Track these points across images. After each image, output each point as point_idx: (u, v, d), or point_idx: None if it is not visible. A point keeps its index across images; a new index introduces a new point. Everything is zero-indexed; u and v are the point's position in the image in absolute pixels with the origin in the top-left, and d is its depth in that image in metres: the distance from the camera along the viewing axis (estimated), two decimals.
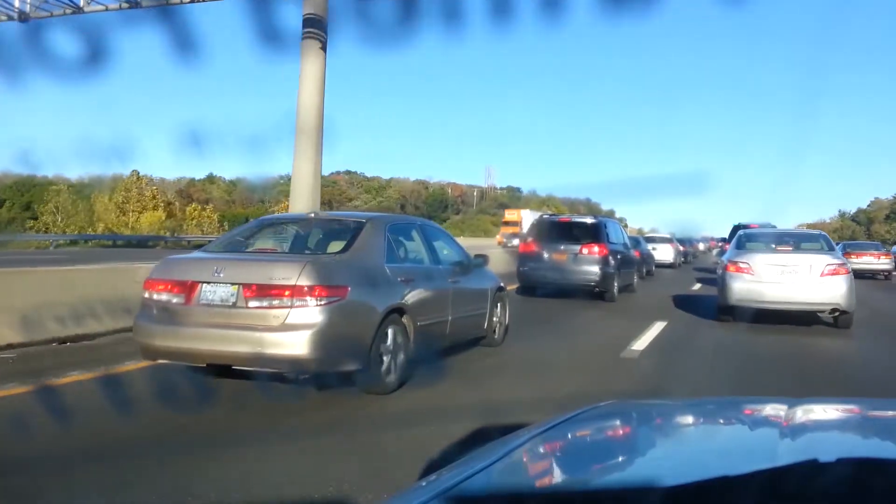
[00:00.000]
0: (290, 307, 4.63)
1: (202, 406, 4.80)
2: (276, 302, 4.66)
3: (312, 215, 6.36)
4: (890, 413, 1.65)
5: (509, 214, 56.89)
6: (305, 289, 4.64)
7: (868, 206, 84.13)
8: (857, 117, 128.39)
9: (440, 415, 4.82)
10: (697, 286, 16.61)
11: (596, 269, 12.40)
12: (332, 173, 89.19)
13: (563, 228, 13.26)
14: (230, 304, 4.74)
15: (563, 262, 12.61)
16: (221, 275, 4.82)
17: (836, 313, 9.32)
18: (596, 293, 12.61)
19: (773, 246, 10.38)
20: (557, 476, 1.30)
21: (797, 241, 10.79)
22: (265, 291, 4.69)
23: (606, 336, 8.50)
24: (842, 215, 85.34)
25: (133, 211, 52.09)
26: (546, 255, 12.74)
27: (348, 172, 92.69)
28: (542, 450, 1.40)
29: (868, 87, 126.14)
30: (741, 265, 9.46)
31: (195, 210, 56.39)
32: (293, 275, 4.67)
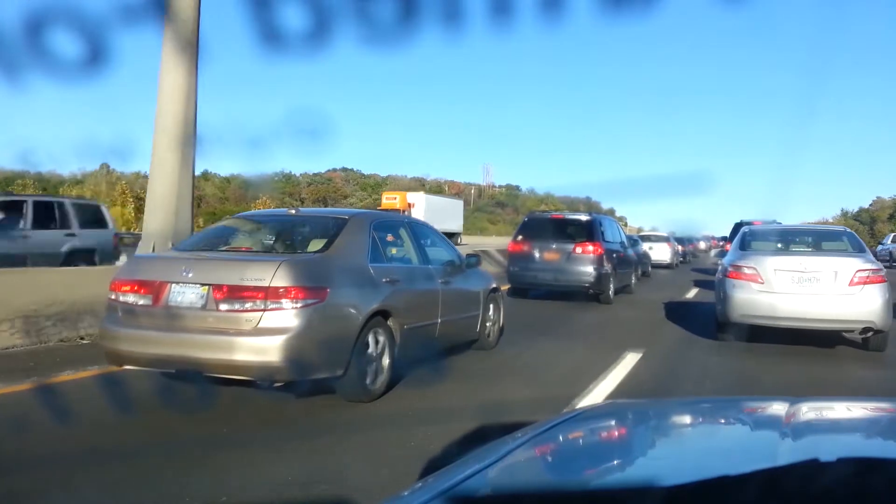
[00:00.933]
0: (264, 310, 4.31)
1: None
2: (248, 304, 4.34)
3: (293, 212, 6.02)
4: (890, 412, 1.65)
5: (388, 199, 42.35)
6: (280, 290, 4.32)
7: (870, 205, 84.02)
8: (858, 117, 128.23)
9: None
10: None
11: (590, 269, 11.68)
12: (329, 170, 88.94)
13: (556, 226, 12.48)
14: (199, 306, 4.42)
15: (556, 261, 11.86)
16: (190, 275, 4.50)
17: (869, 333, 7.31)
18: (591, 295, 11.94)
19: (786, 246, 8.40)
20: (557, 476, 1.29)
21: (815, 239, 8.83)
22: (237, 293, 4.37)
23: (546, 381, 5.96)
24: (844, 214, 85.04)
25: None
26: (538, 255, 11.97)
27: (345, 169, 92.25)
28: (541, 450, 1.39)
29: (868, 87, 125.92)
30: (746, 271, 7.45)
31: None
32: (267, 275, 4.35)
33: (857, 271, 7.22)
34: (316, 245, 5.07)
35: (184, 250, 5.17)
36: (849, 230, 9.14)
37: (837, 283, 7.19)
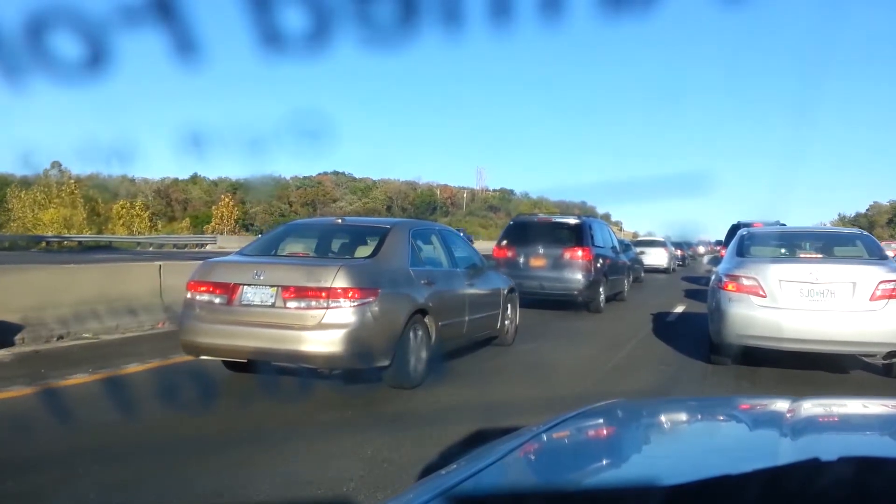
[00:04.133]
0: (326, 308, 4.97)
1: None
2: (313, 303, 5.00)
3: (339, 221, 6.72)
4: (892, 411, 1.65)
5: None
6: (340, 290, 4.99)
7: (867, 210, 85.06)
8: (855, 122, 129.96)
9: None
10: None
11: (579, 276, 11.00)
12: (319, 174, 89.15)
13: (543, 230, 11.70)
14: (269, 304, 5.08)
15: (543, 268, 11.15)
16: (261, 277, 5.15)
17: (895, 358, 6.19)
18: (580, 303, 11.20)
19: (792, 252, 7.21)
20: (558, 475, 1.29)
21: (826, 244, 7.44)
22: (303, 293, 5.03)
23: None
24: (842, 219, 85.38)
25: (54, 207, 46.60)
26: (522, 261, 11.24)
27: (336, 173, 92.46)
28: (542, 449, 1.41)
29: (866, 92, 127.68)
30: (745, 282, 6.30)
31: (122, 208, 50.77)
32: (329, 277, 5.01)
33: (881, 283, 6.05)
34: (364, 251, 5.76)
35: (248, 255, 5.83)
36: (865, 233, 7.75)
37: (856, 297, 6.03)
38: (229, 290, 5.21)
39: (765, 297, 6.22)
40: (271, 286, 5.11)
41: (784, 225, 11.03)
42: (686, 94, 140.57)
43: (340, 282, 5.01)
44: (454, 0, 1.16)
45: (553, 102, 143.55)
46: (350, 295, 5.01)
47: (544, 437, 1.42)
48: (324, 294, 4.99)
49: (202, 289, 5.31)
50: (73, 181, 48.46)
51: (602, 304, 11.55)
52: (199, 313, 5.27)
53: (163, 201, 75.35)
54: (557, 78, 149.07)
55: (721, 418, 1.73)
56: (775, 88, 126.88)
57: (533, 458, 1.37)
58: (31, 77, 1.14)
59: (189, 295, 5.36)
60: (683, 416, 1.74)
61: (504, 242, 11.77)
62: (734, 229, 13.73)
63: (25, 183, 47.66)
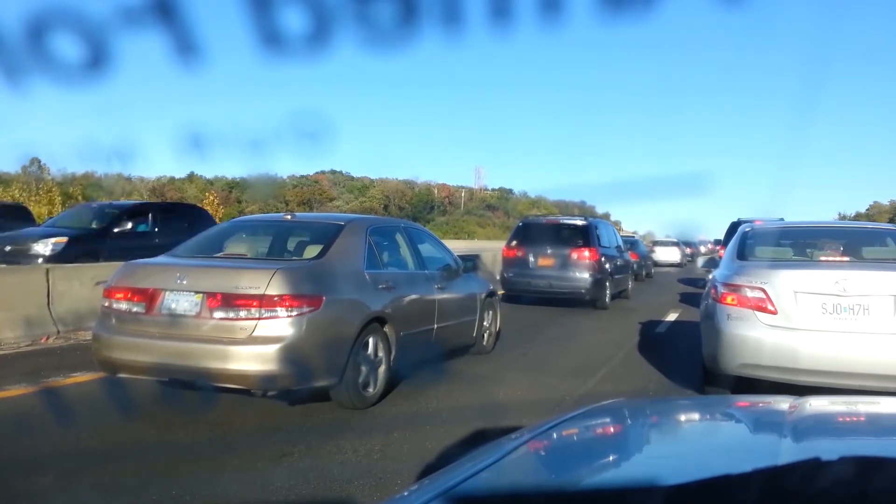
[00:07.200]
0: (258, 318, 4.25)
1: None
2: (242, 313, 4.28)
3: (289, 217, 5.93)
4: (892, 411, 1.63)
5: None
6: (275, 298, 4.27)
7: (867, 209, 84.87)
8: (855, 122, 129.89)
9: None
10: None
11: (586, 275, 11.53)
12: (316, 172, 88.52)
13: (551, 231, 12.31)
14: (193, 314, 4.35)
15: (551, 267, 11.70)
16: (184, 282, 4.43)
17: None
18: (587, 301, 11.74)
19: (809, 254, 5.62)
20: (558, 475, 1.27)
21: (851, 243, 5.63)
22: (231, 301, 4.30)
23: None
24: (842, 218, 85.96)
25: (32, 204, 44.81)
26: (532, 260, 11.84)
27: (333, 172, 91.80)
28: (542, 449, 1.38)
29: (866, 92, 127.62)
30: (749, 293, 4.81)
31: None
32: (262, 283, 4.29)
33: None
34: (311, 251, 5.01)
35: (179, 256, 5.09)
36: None
37: None
38: (148, 296, 4.49)
39: (775, 313, 4.71)
40: (196, 292, 4.38)
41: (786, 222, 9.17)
42: (685, 93, 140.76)
43: (275, 288, 4.28)
44: (454, 0, 1.17)
45: (552, 102, 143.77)
46: (287, 303, 4.28)
47: (544, 436, 1.40)
48: (255, 302, 4.26)
49: (119, 295, 4.58)
50: (51, 179, 48.37)
51: (608, 302, 12.00)
52: (115, 324, 4.55)
53: (158, 200, 74.74)
54: (557, 78, 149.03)
55: (721, 418, 1.70)
56: (775, 87, 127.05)
57: (533, 458, 1.35)
58: (31, 78, 1.15)
59: (106, 302, 4.63)
60: (684, 416, 1.70)
61: (514, 243, 12.28)
62: (734, 227, 12.32)
63: (5, 181, 47.46)
